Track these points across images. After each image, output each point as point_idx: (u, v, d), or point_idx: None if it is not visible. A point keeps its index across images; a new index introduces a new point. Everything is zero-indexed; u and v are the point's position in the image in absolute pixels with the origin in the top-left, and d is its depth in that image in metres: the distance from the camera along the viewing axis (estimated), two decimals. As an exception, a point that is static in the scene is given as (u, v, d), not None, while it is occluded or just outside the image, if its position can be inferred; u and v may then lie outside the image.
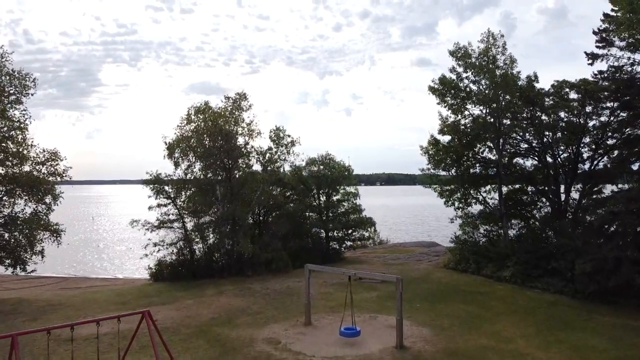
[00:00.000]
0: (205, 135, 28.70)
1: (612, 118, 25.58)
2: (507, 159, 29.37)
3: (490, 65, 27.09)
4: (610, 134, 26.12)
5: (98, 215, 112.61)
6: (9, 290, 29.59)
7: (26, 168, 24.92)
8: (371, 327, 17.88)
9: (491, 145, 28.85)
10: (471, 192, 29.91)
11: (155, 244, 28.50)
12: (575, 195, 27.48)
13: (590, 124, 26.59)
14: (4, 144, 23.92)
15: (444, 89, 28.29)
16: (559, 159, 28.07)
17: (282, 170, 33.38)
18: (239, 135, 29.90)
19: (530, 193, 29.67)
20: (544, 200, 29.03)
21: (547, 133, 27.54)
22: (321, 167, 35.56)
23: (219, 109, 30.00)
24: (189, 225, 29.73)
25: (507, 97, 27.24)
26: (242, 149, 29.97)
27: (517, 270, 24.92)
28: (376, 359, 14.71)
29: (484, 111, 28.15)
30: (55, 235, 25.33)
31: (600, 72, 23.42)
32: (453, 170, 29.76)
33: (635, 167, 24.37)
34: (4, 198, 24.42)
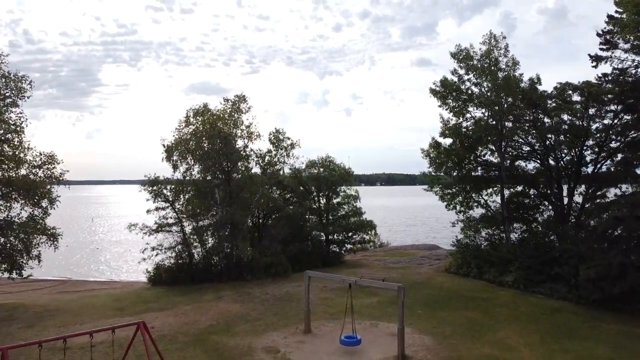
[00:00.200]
0: (203, 138, 28.38)
1: (615, 121, 25.26)
2: (509, 162, 29.06)
3: (493, 68, 26.77)
4: (613, 137, 25.80)
5: (97, 216, 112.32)
6: (6, 294, 29.32)
7: (22, 171, 24.64)
8: (372, 335, 17.56)
9: (493, 148, 28.52)
10: (473, 195, 29.57)
11: (153, 248, 28.20)
12: (578, 198, 27.14)
13: (594, 126, 26.27)
14: (-1, 148, 23.63)
15: (446, 92, 27.97)
16: (561, 162, 27.75)
17: (281, 172, 33.11)
18: (238, 137, 29.60)
19: (532, 196, 29.35)
20: (546, 203, 28.71)
21: (549, 136, 27.23)
22: (321, 169, 35.27)
23: (217, 111, 29.69)
24: (188, 229, 29.39)
25: (510, 99, 26.92)
26: (241, 152, 29.66)
27: (519, 276, 24.60)
28: (377, 369, 14.40)
29: (486, 114, 27.83)
30: (52, 239, 25.05)
31: (605, 74, 23.11)
32: (455, 174, 29.41)
33: (639, 170, 24.03)
34: (0, 202, 24.10)
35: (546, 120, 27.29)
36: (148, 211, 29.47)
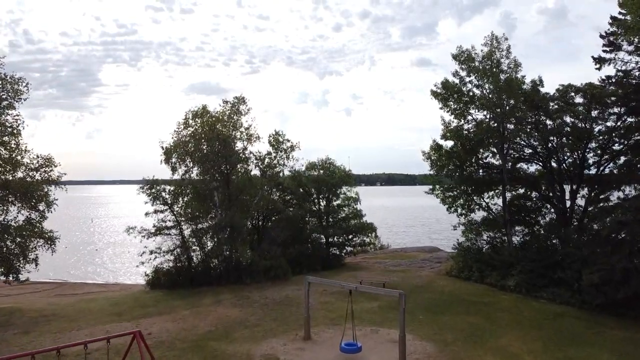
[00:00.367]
0: (202, 140, 28.11)
1: (619, 123, 25.00)
2: (510, 164, 28.80)
3: (494, 69, 26.50)
4: (616, 139, 25.56)
5: (97, 216, 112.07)
6: (4, 296, 29.05)
7: (19, 174, 24.36)
8: (372, 342, 17.29)
9: (495, 150, 28.25)
10: (474, 198, 29.29)
11: (151, 252, 27.89)
12: (580, 201, 26.87)
13: (596, 129, 26.03)
14: (-4, 151, 23.35)
15: (447, 94, 27.71)
16: (564, 165, 27.49)
17: (281, 174, 32.84)
18: (237, 140, 29.32)
19: (534, 199, 29.08)
20: (548, 206, 28.45)
21: (551, 138, 26.97)
22: (321, 171, 34.99)
23: (216, 113, 29.41)
24: (187, 232, 29.10)
25: (511, 101, 26.64)
26: (241, 154, 29.37)
27: (521, 280, 24.34)
28: (378, 378, 14.14)
29: (488, 116, 27.55)
30: (49, 242, 24.75)
31: (608, 77, 22.85)
32: (456, 176, 29.13)
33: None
34: (-4, 205, 23.81)
35: (548, 122, 27.05)
36: (147, 214, 29.19)
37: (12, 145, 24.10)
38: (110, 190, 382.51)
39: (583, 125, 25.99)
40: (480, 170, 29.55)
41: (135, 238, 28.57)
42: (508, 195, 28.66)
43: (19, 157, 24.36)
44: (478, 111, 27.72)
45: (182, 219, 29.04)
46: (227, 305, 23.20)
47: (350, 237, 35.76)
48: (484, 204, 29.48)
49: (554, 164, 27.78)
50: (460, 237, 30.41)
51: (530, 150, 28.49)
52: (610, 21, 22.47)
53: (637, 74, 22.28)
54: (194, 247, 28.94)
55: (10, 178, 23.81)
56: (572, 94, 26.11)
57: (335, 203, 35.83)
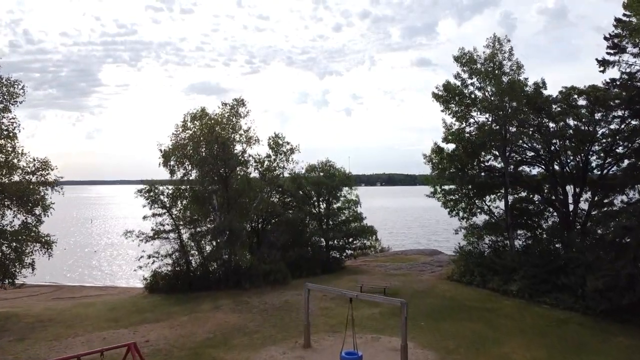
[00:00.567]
0: (201, 143, 27.79)
1: (622, 126, 24.69)
2: (512, 167, 28.48)
3: (497, 72, 26.17)
4: (620, 142, 25.24)
5: (96, 217, 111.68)
6: (2, 300, 28.68)
7: (15, 178, 24.06)
8: (373, 350, 16.98)
9: (497, 153, 27.93)
10: (476, 201, 28.94)
11: (149, 256, 27.56)
12: (583, 205, 26.54)
13: (600, 131, 25.70)
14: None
15: (449, 96, 27.39)
16: (567, 168, 27.15)
17: (281, 177, 32.53)
18: (237, 142, 29.02)
19: (537, 202, 28.75)
20: (550, 210, 28.13)
21: (554, 141, 26.65)
22: (321, 174, 34.65)
23: (215, 115, 29.11)
24: (185, 235, 28.77)
25: (514, 104, 26.32)
26: (240, 157, 29.04)
27: (524, 285, 24.01)
28: (379, 389, 13.83)
29: (490, 119, 27.23)
30: (46, 247, 24.44)
31: (613, 79, 22.52)
32: (458, 180, 28.77)
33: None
34: (-8, 209, 23.51)
35: (551, 125, 26.73)
36: (145, 217, 28.86)
37: (8, 149, 23.81)
38: (110, 190, 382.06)
39: (586, 128, 25.67)
40: (482, 174, 29.16)
41: (133, 242, 28.22)
42: (510, 198, 28.32)
43: (15, 161, 24.07)
44: (480, 114, 27.39)
45: (181, 222, 28.69)
46: (226, 311, 22.88)
47: (350, 240, 35.45)
48: (485, 207, 29.13)
49: (556, 167, 27.44)
50: (462, 241, 30.07)
51: (532, 153, 28.14)
52: (615, 23, 22.16)
53: (642, 76, 21.95)
54: (192, 252, 28.56)
55: (6, 182, 23.52)
56: (575, 96, 25.80)
57: (335, 206, 35.51)
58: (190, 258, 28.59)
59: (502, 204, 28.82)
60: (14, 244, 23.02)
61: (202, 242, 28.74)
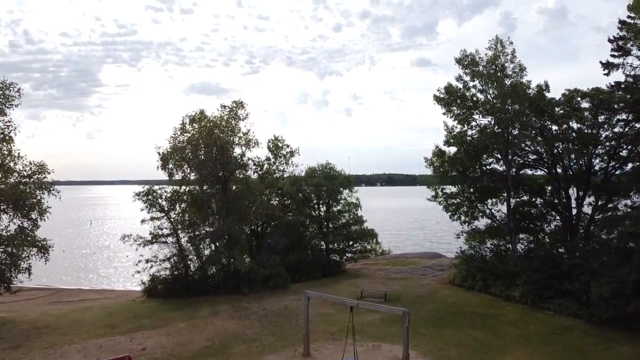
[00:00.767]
0: (200, 146, 27.45)
1: (627, 129, 24.33)
2: (514, 170, 28.12)
3: (499, 74, 25.81)
4: (624, 145, 24.87)
5: (96, 218, 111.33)
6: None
7: (11, 181, 23.73)
8: (374, 359, 16.65)
9: (499, 156, 27.58)
10: (478, 205, 28.57)
11: (147, 260, 27.22)
12: (586, 209, 26.16)
13: (603, 134, 25.34)
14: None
15: (450, 98, 27.03)
16: (570, 171, 26.78)
17: (281, 179, 32.22)
18: (236, 145, 28.68)
19: (539, 206, 28.37)
20: (553, 213, 27.76)
21: (557, 144, 26.29)
22: (321, 177, 34.30)
23: (214, 117, 28.78)
24: (184, 239, 28.41)
25: (516, 106, 25.96)
26: (239, 161, 28.70)
27: (527, 290, 23.66)
28: (381, 401, 13.49)
29: (492, 121, 26.88)
30: (42, 251, 24.12)
31: (618, 83, 22.16)
32: (459, 183, 28.42)
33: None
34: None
35: (554, 128, 26.37)
36: (143, 221, 28.51)
37: (4, 152, 23.51)
38: (110, 190, 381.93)
39: (589, 130, 25.30)
40: (484, 177, 28.79)
41: (131, 246, 27.88)
42: (512, 201, 27.95)
43: (11, 164, 23.79)
44: (482, 117, 27.03)
45: (179, 226, 28.34)
46: (224, 317, 22.55)
47: (350, 243, 35.14)
48: (487, 211, 28.76)
49: (559, 170, 27.08)
50: (463, 245, 29.72)
51: (535, 156, 27.77)
52: (619, 25, 21.80)
53: (647, 79, 21.59)
54: (190, 256, 28.19)
55: (2, 186, 23.20)
56: (579, 98, 25.42)
57: (335, 209, 35.19)
58: (189, 262, 28.21)
59: (504, 208, 28.46)
60: (10, 249, 22.70)
61: (201, 246, 28.37)
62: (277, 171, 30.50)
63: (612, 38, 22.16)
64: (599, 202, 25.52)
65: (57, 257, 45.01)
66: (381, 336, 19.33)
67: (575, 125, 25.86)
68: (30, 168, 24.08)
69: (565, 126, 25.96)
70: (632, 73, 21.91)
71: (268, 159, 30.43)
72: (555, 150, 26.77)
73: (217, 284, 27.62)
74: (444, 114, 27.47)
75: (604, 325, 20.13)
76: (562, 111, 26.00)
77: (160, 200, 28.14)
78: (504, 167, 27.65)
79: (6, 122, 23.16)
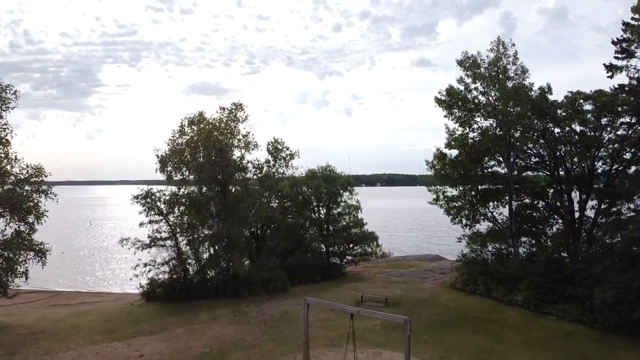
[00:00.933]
0: (199, 149, 27.20)
1: (630, 132, 24.06)
2: (516, 173, 27.86)
3: (501, 76, 25.53)
4: (627, 148, 24.61)
5: (96, 219, 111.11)
6: (-3, 307, 28.06)
7: (8, 185, 23.47)
8: (375, 367, 16.39)
9: (501, 159, 27.31)
10: (479, 209, 28.29)
11: (145, 264, 26.96)
12: (589, 212, 25.87)
13: (606, 137, 25.07)
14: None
15: (451, 101, 26.76)
16: (572, 174, 26.53)
17: (281, 183, 31.98)
18: (235, 147, 28.43)
19: (541, 209, 28.11)
20: (555, 217, 27.51)
21: (559, 146, 26.03)
22: (321, 179, 34.04)
23: (213, 119, 28.52)
24: (182, 243, 28.15)
25: (518, 108, 25.69)
26: (238, 163, 28.44)
27: (529, 295, 23.39)
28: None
29: (493, 124, 26.61)
30: (39, 255, 23.87)
31: (622, 85, 21.89)
32: (460, 186, 28.15)
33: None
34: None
35: (556, 130, 26.12)
36: (141, 224, 28.26)
37: (1, 155, 23.26)
38: (109, 190, 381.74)
39: (592, 133, 25.05)
40: (486, 180, 28.53)
41: (129, 250, 27.63)
42: (514, 204, 27.67)
43: (8, 167, 23.53)
44: (484, 119, 26.75)
45: (178, 229, 28.08)
46: (223, 322, 22.29)
47: (351, 246, 34.87)
48: (489, 214, 28.49)
49: (561, 173, 26.82)
50: (465, 248, 29.46)
51: (537, 159, 27.51)
52: (623, 27, 21.53)
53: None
54: (189, 260, 27.91)
55: (-1, 190, 22.96)
56: (581, 101, 25.17)
57: (335, 211, 34.93)
58: (188, 266, 27.95)
59: (505, 211, 28.21)
60: (6, 253, 22.44)
61: (200, 249, 28.11)
62: (276, 174, 30.23)
63: (615, 40, 21.89)
64: (602, 206, 25.26)
65: (55, 259, 44.75)
66: (382, 342, 19.06)
67: (577, 128, 25.62)
68: (27, 171, 23.83)
69: (567, 129, 25.72)
70: (637, 75, 21.63)
71: (268, 161, 30.19)
72: (558, 153, 26.53)
73: (216, 288, 27.36)
74: (445, 116, 27.22)
75: (607, 331, 19.89)
76: (564, 113, 25.76)
77: (158, 204, 27.86)
78: (506, 169, 27.39)
79: (2, 125, 22.90)
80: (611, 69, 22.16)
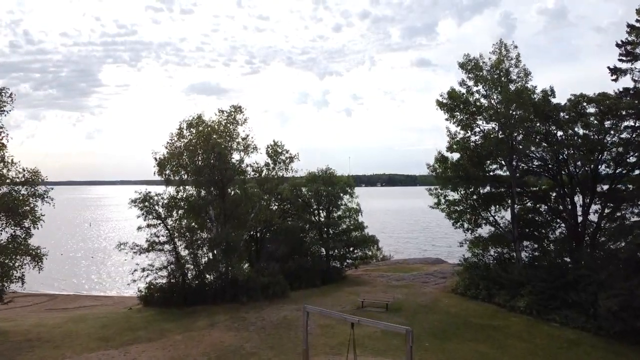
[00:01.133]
0: (197, 152, 26.87)
1: (634, 135, 23.74)
2: (517, 175, 27.53)
3: (503, 79, 25.20)
4: (631, 151, 24.29)
5: (95, 220, 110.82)
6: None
7: (4, 189, 23.15)
8: (376, 377, 16.07)
9: (503, 162, 26.98)
10: (481, 213, 27.95)
11: (143, 269, 26.61)
12: (593, 217, 25.55)
13: (610, 140, 24.75)
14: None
15: (453, 104, 26.42)
16: (575, 177, 26.20)
17: (280, 186, 31.66)
18: (234, 150, 28.12)
19: (544, 213, 27.77)
20: (558, 221, 27.18)
21: (562, 150, 25.70)
22: (321, 183, 33.71)
23: (212, 122, 28.21)
24: (181, 247, 27.81)
25: (520, 112, 25.36)
26: (237, 167, 28.12)
27: (532, 301, 23.07)
28: None
29: (496, 127, 26.29)
30: (36, 260, 23.53)
31: (626, 89, 21.56)
32: (462, 190, 27.82)
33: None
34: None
35: (559, 133, 25.80)
36: (139, 228, 27.93)
37: (-4, 159, 22.93)
38: (109, 190, 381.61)
39: (595, 136, 24.73)
40: (488, 184, 28.19)
41: (127, 254, 27.30)
42: (516, 208, 27.35)
43: (4, 171, 23.21)
44: (486, 122, 26.42)
45: (176, 233, 27.74)
46: (221, 329, 21.96)
47: (351, 249, 34.57)
48: (491, 218, 28.16)
49: (564, 177, 26.49)
50: (466, 252, 29.11)
51: (539, 162, 27.19)
52: (628, 29, 21.22)
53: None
54: (187, 265, 27.56)
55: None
56: (584, 104, 24.86)
57: (335, 214, 34.62)
58: (186, 271, 27.60)
59: (507, 215, 27.89)
60: (1, 258, 22.11)
61: (199, 253, 27.77)
62: (276, 178, 29.92)
63: (620, 42, 21.58)
64: (606, 210, 24.92)
65: (54, 261, 44.55)
66: (383, 350, 18.75)
67: (580, 131, 25.30)
68: (24, 175, 23.51)
69: (570, 132, 25.40)
70: (641, 78, 21.31)
71: (267, 164, 29.87)
72: (561, 156, 26.22)
73: (214, 293, 27.03)
74: (446, 119, 26.90)
75: (612, 338, 19.58)
76: (567, 116, 25.44)
77: (156, 207, 27.53)
78: (508, 173, 27.06)
79: (-3, 129, 22.56)
80: (615, 72, 21.87)
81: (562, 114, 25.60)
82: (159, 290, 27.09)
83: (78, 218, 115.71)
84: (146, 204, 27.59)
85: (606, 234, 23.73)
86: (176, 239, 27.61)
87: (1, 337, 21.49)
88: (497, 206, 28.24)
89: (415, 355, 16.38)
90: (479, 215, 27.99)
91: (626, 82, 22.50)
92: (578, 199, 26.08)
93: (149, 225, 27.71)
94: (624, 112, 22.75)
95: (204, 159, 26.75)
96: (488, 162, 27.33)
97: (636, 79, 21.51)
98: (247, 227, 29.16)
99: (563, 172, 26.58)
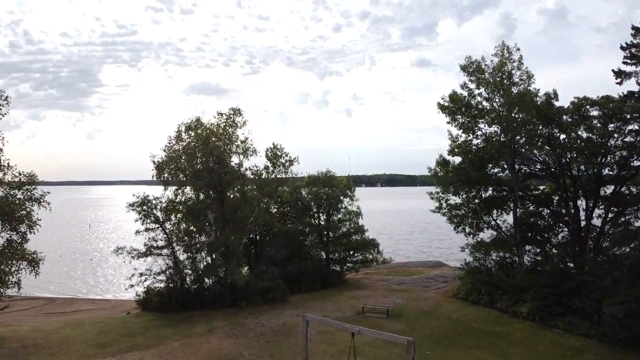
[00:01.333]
0: (196, 156, 26.56)
1: (638, 139, 23.43)
2: (520, 179, 27.20)
3: (506, 82, 24.87)
4: (635, 155, 23.97)
5: (95, 220, 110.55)
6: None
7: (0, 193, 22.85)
8: (377, 386, 15.76)
9: (505, 166, 26.67)
10: (483, 217, 27.63)
11: (141, 274, 26.30)
12: (596, 221, 25.22)
13: (613, 143, 24.43)
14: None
15: (455, 107, 26.10)
16: (579, 181, 25.88)
17: (280, 188, 31.35)
18: (233, 153, 27.80)
19: (546, 217, 27.45)
20: (561, 225, 26.86)
21: (565, 153, 25.37)
22: (321, 186, 33.39)
23: (211, 125, 27.90)
24: (179, 251, 27.50)
25: (522, 115, 25.04)
26: (236, 171, 27.80)
27: (535, 306, 22.74)
28: None
29: (498, 130, 25.98)
30: (32, 264, 23.21)
31: (631, 92, 21.26)
32: (463, 194, 27.50)
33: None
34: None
35: (562, 136, 25.48)
36: (137, 232, 27.63)
37: (-8, 162, 22.61)
38: (109, 191, 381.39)
39: (599, 140, 24.41)
40: (490, 187, 27.86)
41: (124, 259, 26.99)
42: (518, 212, 27.01)
43: (1, 174, 22.91)
44: (488, 125, 26.11)
45: (175, 237, 27.43)
46: (220, 335, 21.65)
47: (351, 253, 34.24)
48: (492, 222, 27.83)
49: (567, 181, 26.18)
50: (468, 257, 28.77)
51: (542, 166, 26.86)
52: (633, 32, 20.91)
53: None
54: (186, 270, 27.24)
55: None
56: (588, 107, 24.55)
57: (336, 218, 34.31)
58: (185, 275, 27.28)
59: (509, 219, 27.57)
60: (-3, 264, 21.79)
61: (197, 257, 27.46)
62: (275, 180, 29.60)
63: (624, 45, 21.28)
64: (609, 215, 24.61)
65: (53, 263, 44.31)
66: (384, 359, 18.44)
67: (584, 134, 24.99)
68: (20, 179, 23.21)
69: (573, 135, 25.08)
70: (646, 81, 21.00)
71: (266, 167, 29.55)
72: (564, 160, 25.90)
73: (213, 297, 26.72)
74: (448, 122, 26.58)
75: (617, 346, 19.25)
76: (570, 119, 25.14)
77: (155, 211, 27.22)
78: (510, 176, 26.75)
79: (-7, 132, 22.25)
80: (620, 74, 21.57)
81: (565, 116, 25.29)
82: (157, 295, 26.76)
83: (77, 219, 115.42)
84: (144, 207, 27.28)
85: (610, 239, 23.39)
86: (174, 243, 27.32)
87: (-3, 343, 21.21)
88: (499, 210, 27.92)
89: (416, 363, 16.09)
90: (480, 219, 27.66)
91: (631, 85, 22.20)
92: (581, 203, 25.76)
93: (147, 229, 27.41)
94: (628, 116, 22.43)
95: (202, 162, 26.44)
96: (490, 165, 27.00)
97: (640, 81, 21.17)
98: (246, 230, 28.84)
99: (566, 176, 26.25)
